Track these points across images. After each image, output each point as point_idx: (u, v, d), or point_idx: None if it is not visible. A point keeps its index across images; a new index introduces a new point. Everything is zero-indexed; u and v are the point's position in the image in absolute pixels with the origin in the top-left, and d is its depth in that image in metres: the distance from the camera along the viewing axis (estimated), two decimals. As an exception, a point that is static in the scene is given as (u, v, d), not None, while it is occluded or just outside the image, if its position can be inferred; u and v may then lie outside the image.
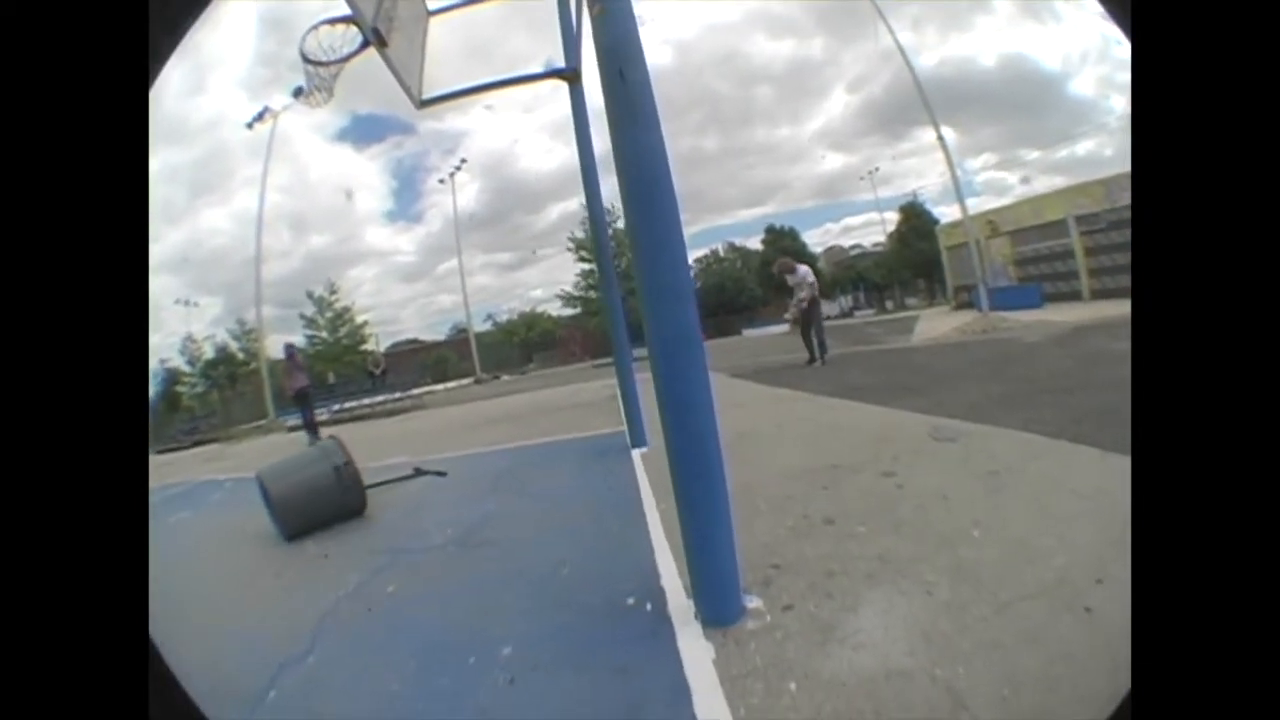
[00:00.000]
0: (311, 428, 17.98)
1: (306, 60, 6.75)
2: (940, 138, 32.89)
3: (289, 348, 19.95)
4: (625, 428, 8.78)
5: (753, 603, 3.20)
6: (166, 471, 20.81)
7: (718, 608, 3.17)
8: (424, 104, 8.17)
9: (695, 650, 2.91)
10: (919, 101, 33.01)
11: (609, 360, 32.85)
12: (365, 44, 6.53)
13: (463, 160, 58.79)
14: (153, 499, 13.66)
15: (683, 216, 3.34)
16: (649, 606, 3.36)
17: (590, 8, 3.37)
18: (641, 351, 3.87)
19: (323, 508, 6.72)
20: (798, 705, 2.54)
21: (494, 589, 4.11)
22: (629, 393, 8.16)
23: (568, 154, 75.25)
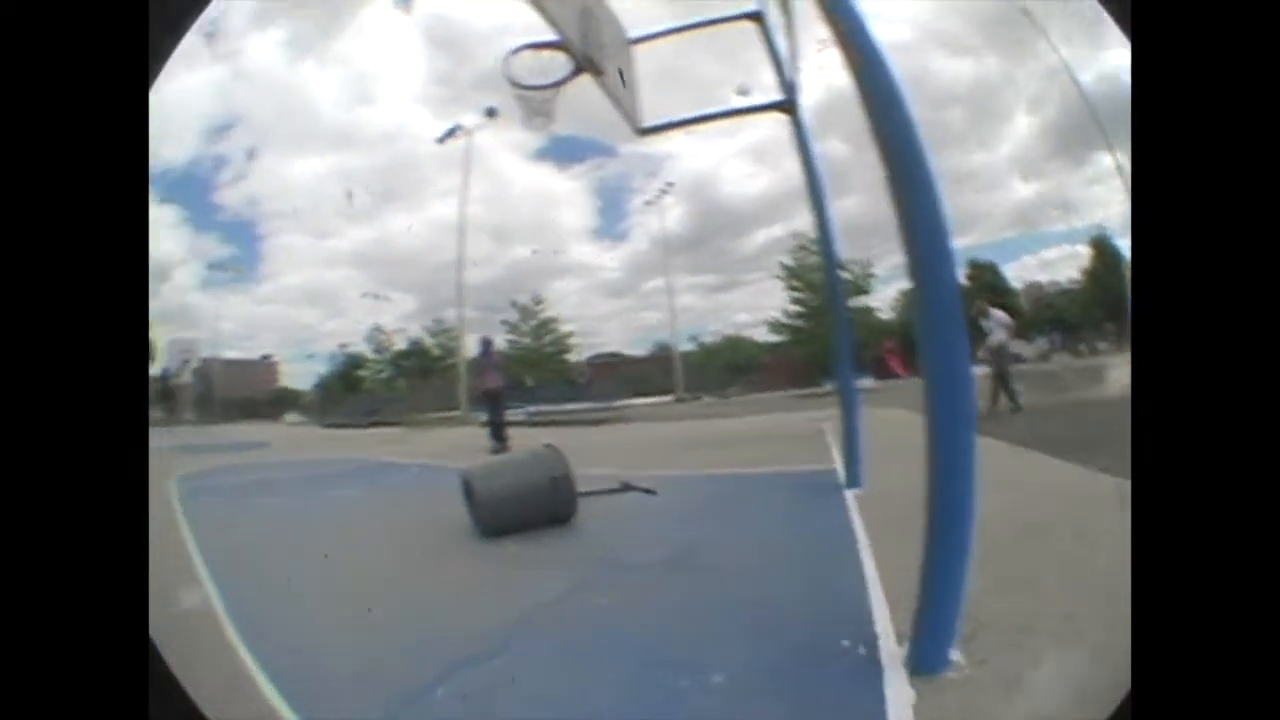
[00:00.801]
0: (499, 428, 16.00)
1: (515, 85, 6.89)
2: (1116, 162, 30.76)
3: (485, 343, 18.55)
4: (837, 465, 8.52)
5: (954, 655, 3.24)
6: (340, 446, 22.62)
7: (929, 657, 3.21)
8: (644, 132, 8.27)
9: (901, 695, 2.96)
10: (1090, 122, 31.24)
11: (811, 391, 32.26)
12: (576, 70, 6.61)
13: (669, 183, 59.15)
14: (331, 470, 14.79)
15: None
16: (862, 650, 3.40)
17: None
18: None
19: (530, 512, 6.75)
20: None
21: (705, 614, 4.10)
22: (852, 428, 7.76)
23: (770, 179, 74.32)
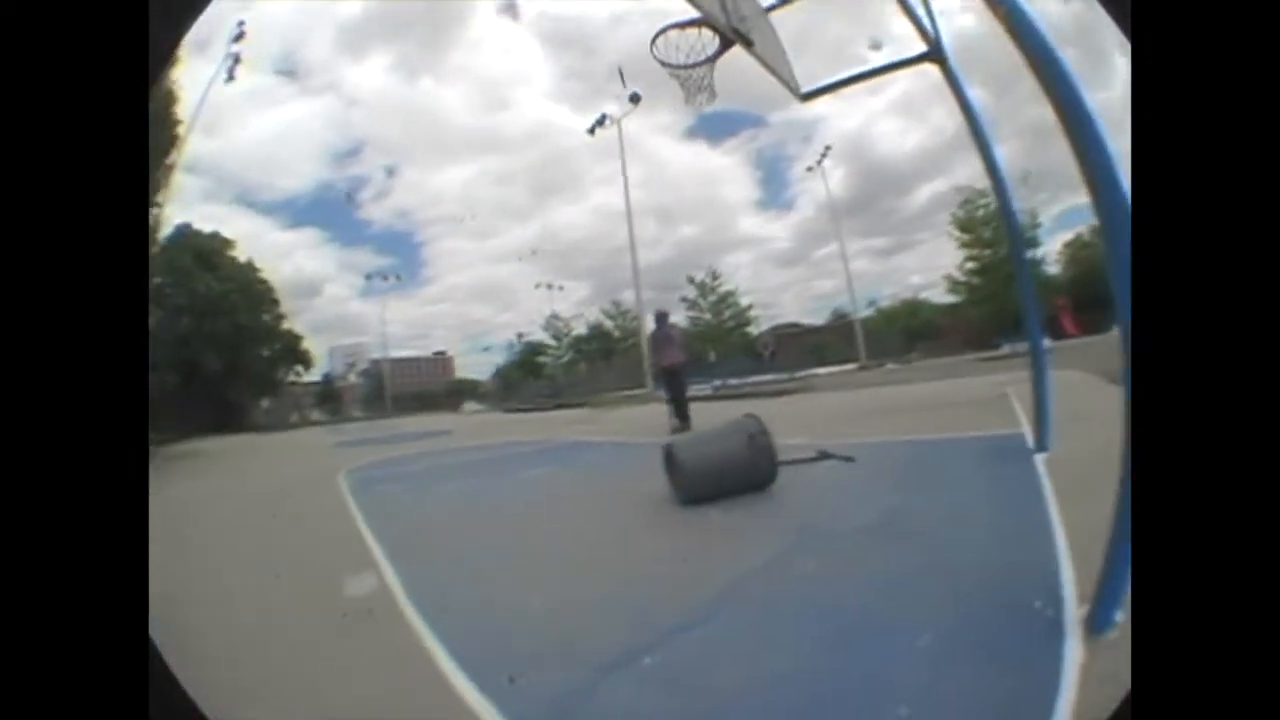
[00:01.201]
0: (681, 406, 15.00)
1: (669, 66, 6.93)
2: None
3: (661, 317, 16.55)
4: (1025, 429, 8.42)
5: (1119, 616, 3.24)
6: (526, 429, 23.18)
7: (1103, 617, 3.25)
8: (805, 97, 8.24)
9: (1073, 655, 2.98)
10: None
11: (991, 355, 31.17)
12: (726, 43, 6.64)
13: (828, 147, 58.59)
14: (520, 450, 15.16)
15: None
16: (1050, 612, 3.43)
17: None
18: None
19: (730, 478, 6.84)
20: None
21: (910, 580, 4.07)
22: (1042, 390, 7.51)
23: (922, 134, 72.64)
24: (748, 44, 6.62)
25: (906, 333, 54.43)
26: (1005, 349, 32.42)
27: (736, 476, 6.90)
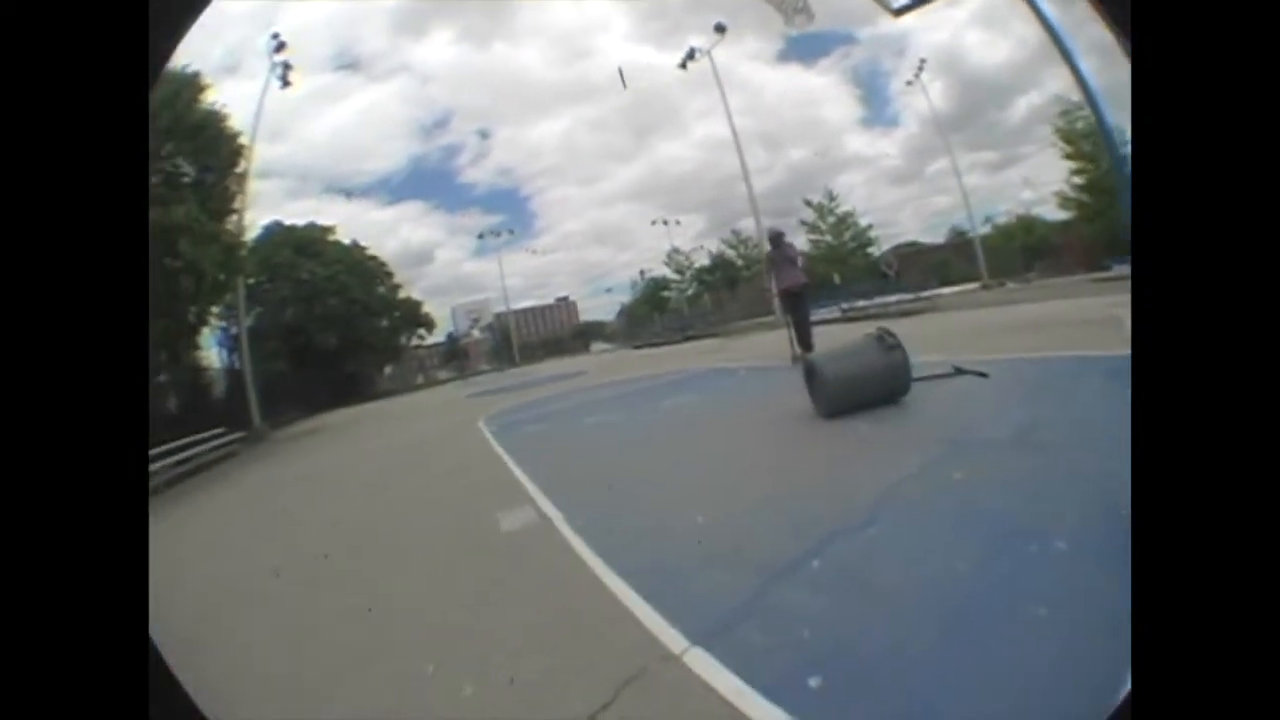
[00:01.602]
0: (804, 331, 13.71)
1: None
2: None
3: (776, 237, 14.96)
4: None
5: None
6: (660, 363, 23.08)
7: None
8: (899, 11, 8.26)
9: None
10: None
11: (1109, 275, 30.38)
12: None
13: (923, 60, 56.80)
14: (656, 383, 15.31)
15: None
16: None
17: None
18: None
19: (868, 390, 7.09)
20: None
21: (1047, 488, 4.10)
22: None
23: (1008, 46, 70.41)
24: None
25: (1024, 250, 53.14)
26: (1115, 270, 30.96)
27: (874, 388, 7.12)
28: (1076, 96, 39.98)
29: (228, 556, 6.82)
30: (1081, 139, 43.79)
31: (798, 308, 13.99)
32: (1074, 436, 5.18)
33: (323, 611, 4.53)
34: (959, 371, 8.36)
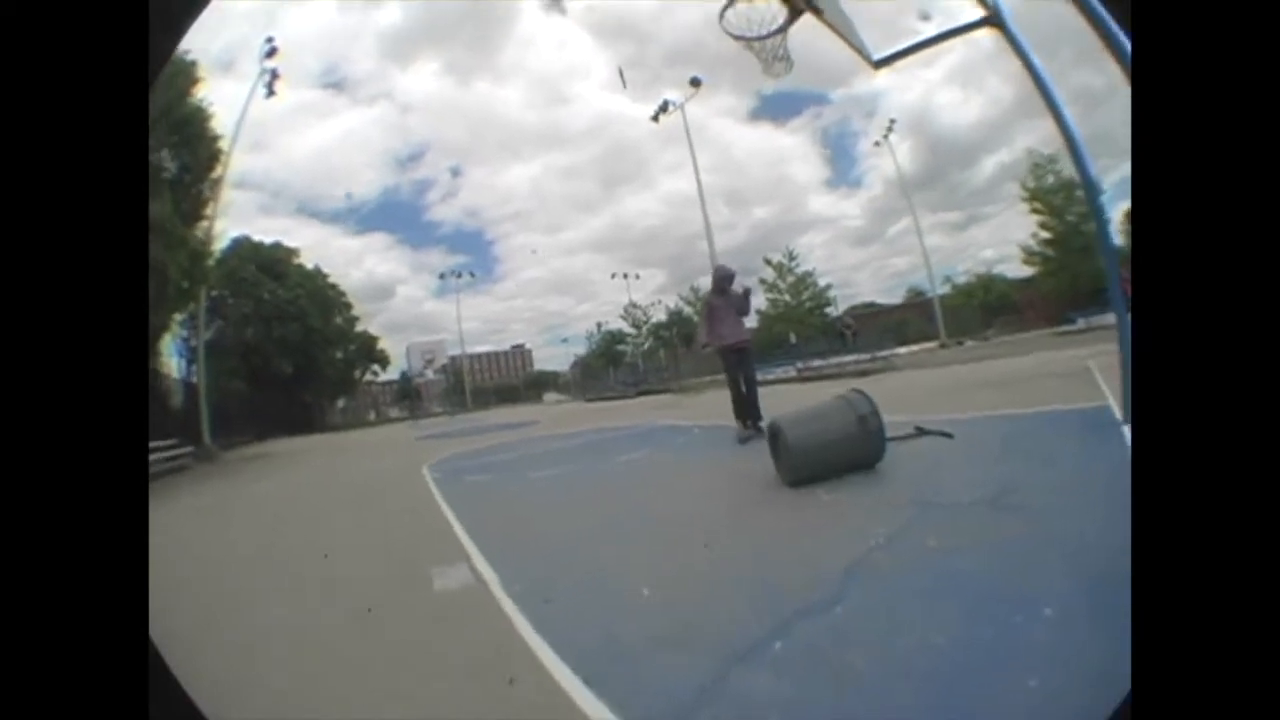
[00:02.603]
0: (751, 398, 10.98)
1: (741, 39, 7.04)
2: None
3: (724, 278, 11.44)
4: (1110, 401, 8.35)
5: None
6: (612, 417, 22.76)
7: None
8: (879, 64, 8.12)
9: None
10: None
11: (1068, 330, 31.01)
12: (796, 12, 6.70)
13: (892, 120, 58.03)
14: (609, 436, 14.92)
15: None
16: None
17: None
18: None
19: (837, 456, 6.63)
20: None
21: (1028, 551, 3.96)
22: (1129, 361, 7.19)
23: (980, 104, 72.85)
24: (817, 11, 6.62)
25: (984, 309, 53.97)
26: (1080, 323, 32.18)
27: (845, 455, 6.68)
28: (1048, 150, 41.88)
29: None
30: (1050, 194, 44.91)
31: (743, 367, 11.16)
32: (1048, 497, 5.05)
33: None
34: (921, 432, 8.14)
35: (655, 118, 49.50)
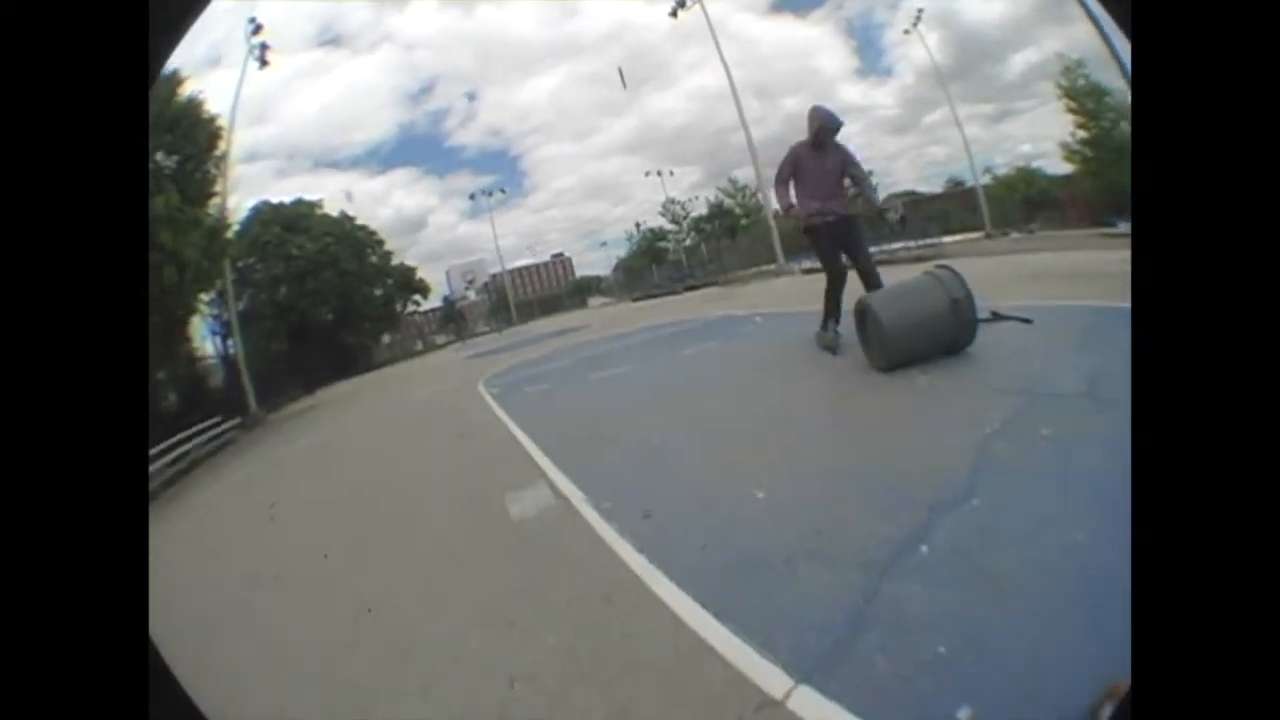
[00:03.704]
0: (870, 277, 7.94)
1: None
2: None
3: (827, 127, 8.11)
4: None
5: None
6: (664, 313, 21.57)
7: None
8: None
9: None
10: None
11: (1109, 231, 30.44)
12: None
13: (920, 10, 56.24)
14: (667, 332, 14.25)
15: None
16: None
17: None
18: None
19: (930, 339, 6.18)
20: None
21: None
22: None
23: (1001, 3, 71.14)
24: None
25: (1025, 203, 53.13)
26: (1121, 227, 30.85)
27: (938, 338, 6.19)
28: (1075, 55, 40.95)
29: (215, 561, 5.89)
30: (1084, 96, 43.90)
31: (852, 249, 8.03)
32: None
33: (315, 617, 4.00)
34: (998, 317, 7.44)
35: (674, 13, 48.44)
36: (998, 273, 14.68)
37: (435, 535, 4.70)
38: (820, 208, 7.83)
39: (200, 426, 17.51)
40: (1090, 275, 11.79)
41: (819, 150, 7.86)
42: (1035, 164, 57.72)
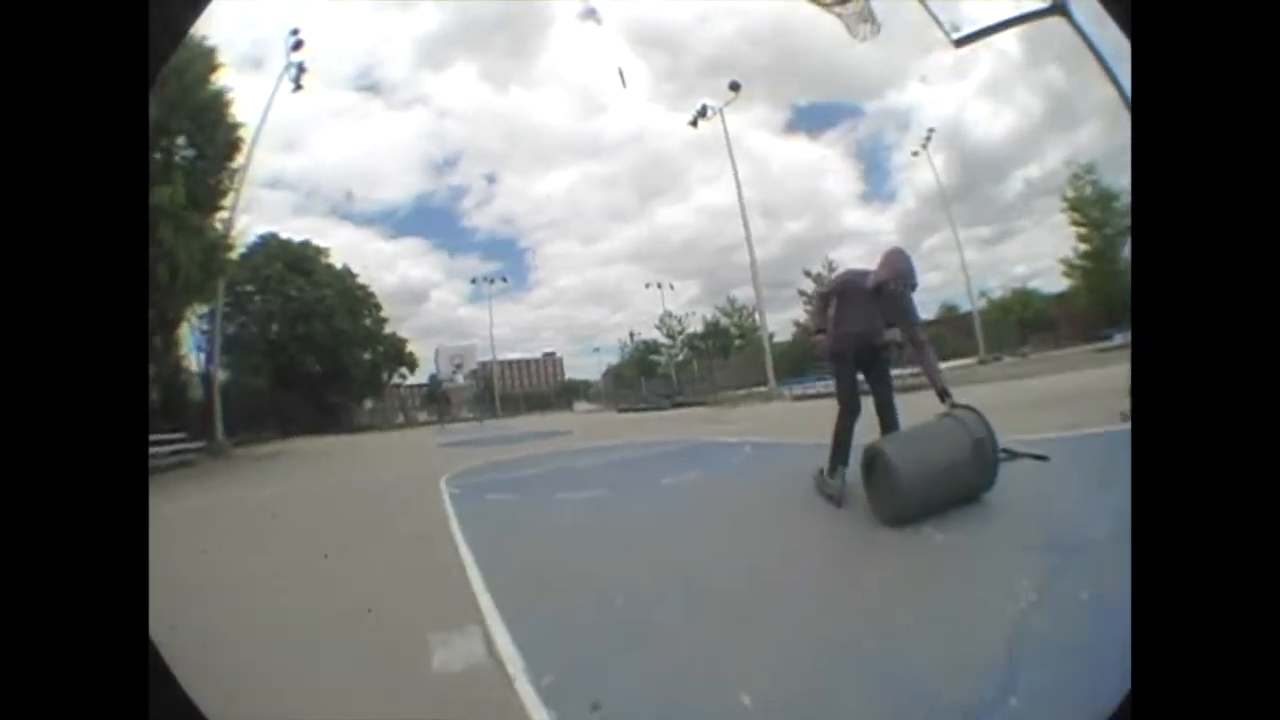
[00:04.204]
0: (887, 415, 7.61)
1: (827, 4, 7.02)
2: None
3: (900, 271, 7.05)
4: None
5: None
6: (649, 429, 21.73)
7: None
8: (959, 42, 8.19)
9: None
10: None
11: (1105, 346, 30.48)
12: None
13: (930, 129, 57.47)
14: (650, 452, 13.76)
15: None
16: None
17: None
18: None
19: (947, 488, 5.62)
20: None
21: None
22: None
23: (1010, 116, 73.71)
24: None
25: (1019, 324, 53.72)
26: (1118, 339, 31.41)
27: (956, 486, 5.67)
28: (1084, 160, 42.27)
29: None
30: (1090, 205, 44.91)
31: (873, 379, 7.21)
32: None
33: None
34: (1012, 455, 6.54)
35: (694, 122, 49.65)
36: (998, 402, 14.28)
37: (341, 660, 3.91)
38: (858, 332, 6.99)
39: (165, 436, 18.00)
40: (1085, 395, 12.46)
41: (877, 293, 6.93)
42: (1031, 284, 59.02)
